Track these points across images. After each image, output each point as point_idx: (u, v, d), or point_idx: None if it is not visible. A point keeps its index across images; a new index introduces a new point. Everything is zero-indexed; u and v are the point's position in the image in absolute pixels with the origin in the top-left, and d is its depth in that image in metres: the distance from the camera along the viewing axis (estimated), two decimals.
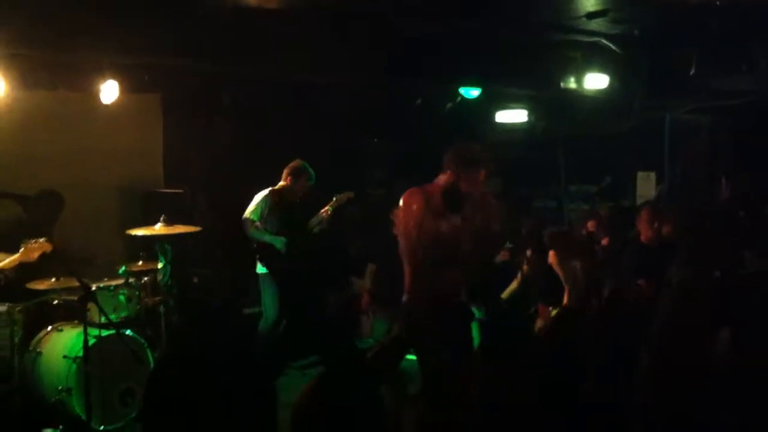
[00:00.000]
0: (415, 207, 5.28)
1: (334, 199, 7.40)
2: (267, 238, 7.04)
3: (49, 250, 5.38)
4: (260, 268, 7.14)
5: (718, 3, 5.92)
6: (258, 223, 7.01)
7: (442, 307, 5.31)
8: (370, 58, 7.27)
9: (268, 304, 7.15)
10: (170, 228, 6.64)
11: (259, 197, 7.09)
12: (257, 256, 7.11)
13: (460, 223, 5.40)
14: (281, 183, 7.19)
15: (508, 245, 7.11)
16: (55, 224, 6.76)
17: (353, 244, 9.20)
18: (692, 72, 7.05)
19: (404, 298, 5.38)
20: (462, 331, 5.66)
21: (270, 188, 7.14)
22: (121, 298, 6.41)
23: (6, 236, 6.16)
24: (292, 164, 7.21)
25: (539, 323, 7.08)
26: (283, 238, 7.04)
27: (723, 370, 4.89)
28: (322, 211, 7.38)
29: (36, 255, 5.40)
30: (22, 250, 5.40)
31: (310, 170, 7.20)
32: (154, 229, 6.60)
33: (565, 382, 3.11)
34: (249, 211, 7.04)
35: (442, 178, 5.37)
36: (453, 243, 5.38)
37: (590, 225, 7.12)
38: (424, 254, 5.29)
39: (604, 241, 7.28)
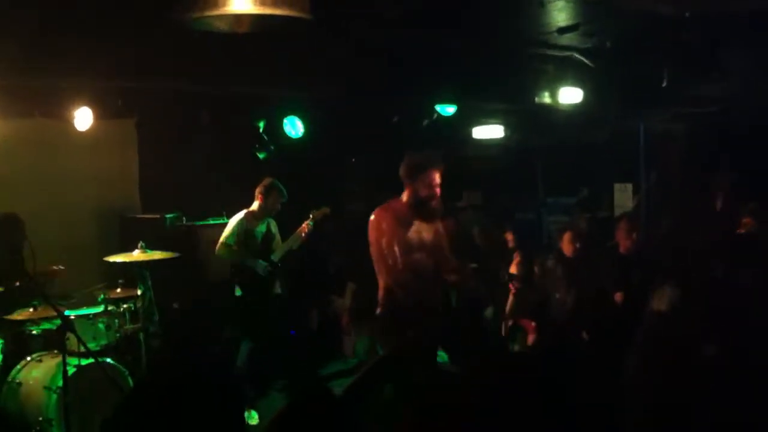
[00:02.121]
0: (384, 225, 5.49)
1: (311, 215, 7.34)
2: (248, 262, 7.00)
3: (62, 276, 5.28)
4: (238, 291, 7.10)
5: (687, 15, 5.97)
6: (235, 247, 6.97)
7: (418, 317, 5.46)
8: (345, 76, 7.29)
9: (246, 327, 7.11)
10: (148, 254, 6.59)
11: (234, 220, 7.06)
12: (235, 280, 7.06)
13: (429, 233, 5.65)
14: (255, 203, 7.15)
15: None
16: (22, 250, 6.63)
17: (332, 263, 9.19)
18: (664, 83, 7.11)
19: (378, 311, 5.56)
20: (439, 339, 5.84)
21: (245, 210, 7.11)
22: (100, 326, 6.36)
23: None
24: (263, 182, 7.16)
25: (530, 338, 7.11)
26: (263, 262, 7.00)
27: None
28: (300, 228, 7.32)
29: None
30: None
31: (281, 187, 7.14)
32: (132, 256, 6.55)
33: (558, 396, 3.08)
34: (225, 234, 7.00)
35: (404, 193, 5.63)
36: (425, 253, 5.58)
37: (567, 237, 7.16)
38: (397, 267, 5.46)
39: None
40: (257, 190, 7.13)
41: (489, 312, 8.36)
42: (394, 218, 5.52)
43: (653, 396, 4.05)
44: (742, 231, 6.70)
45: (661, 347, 4.74)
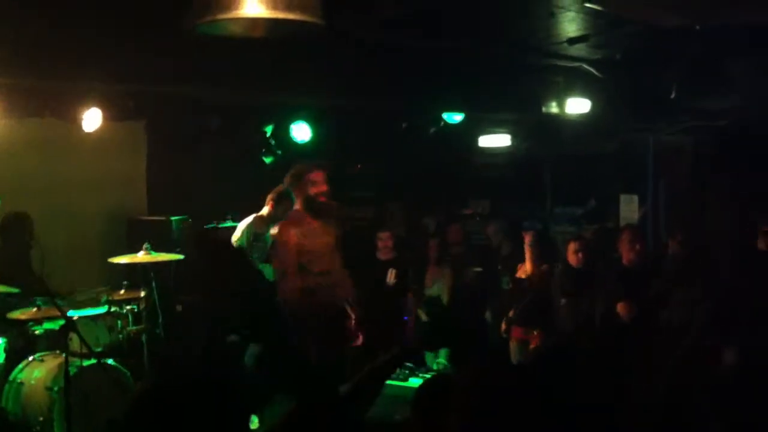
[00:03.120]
0: (290, 233, 6.04)
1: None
2: (257, 266, 6.99)
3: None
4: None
5: (697, 27, 5.97)
6: (247, 250, 6.96)
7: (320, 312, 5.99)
8: (353, 82, 7.30)
9: (255, 332, 7.10)
10: (153, 256, 6.60)
11: (243, 224, 7.06)
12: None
13: (323, 233, 6.13)
14: (265, 209, 7.17)
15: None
16: (31, 249, 6.67)
17: None
18: (672, 95, 7.11)
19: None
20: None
21: (254, 215, 7.11)
22: (103, 327, 6.38)
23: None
24: (275, 189, 7.16)
25: (533, 345, 7.08)
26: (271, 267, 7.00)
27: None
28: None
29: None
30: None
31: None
32: (137, 257, 6.56)
33: (558, 403, 3.09)
34: (234, 239, 7.01)
35: (296, 202, 6.17)
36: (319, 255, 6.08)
37: (572, 247, 7.15)
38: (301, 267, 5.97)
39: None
40: (269, 197, 7.13)
41: (488, 315, 8.38)
42: (294, 226, 6.02)
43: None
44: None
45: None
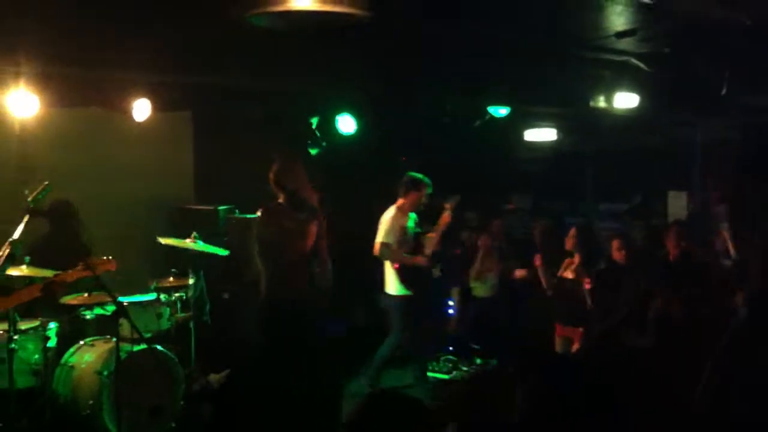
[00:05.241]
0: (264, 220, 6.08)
1: (447, 205, 7.28)
2: (408, 259, 7.03)
3: (113, 268, 5.35)
4: (400, 290, 7.08)
5: (748, 22, 5.89)
6: (394, 246, 6.99)
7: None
8: (399, 74, 7.32)
9: (398, 324, 7.11)
10: (201, 246, 6.64)
11: (386, 218, 7.05)
12: (399, 279, 7.06)
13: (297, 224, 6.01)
14: (401, 199, 7.13)
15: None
16: (81, 236, 6.76)
17: None
18: (723, 91, 7.02)
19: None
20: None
21: (394, 207, 7.11)
22: (152, 314, 6.47)
23: (39, 252, 6.26)
24: (410, 178, 7.13)
25: (575, 344, 7.04)
26: (423, 257, 7.06)
27: None
28: (441, 219, 7.25)
29: (101, 271, 5.34)
30: (81, 265, 5.29)
31: (428, 180, 7.16)
32: (184, 242, 6.60)
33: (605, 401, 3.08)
34: (382, 234, 7.00)
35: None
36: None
37: (616, 244, 7.08)
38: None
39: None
40: (404, 187, 7.11)
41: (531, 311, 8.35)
42: (273, 214, 6.00)
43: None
44: None
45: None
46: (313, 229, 5.89)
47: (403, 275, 7.05)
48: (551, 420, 2.60)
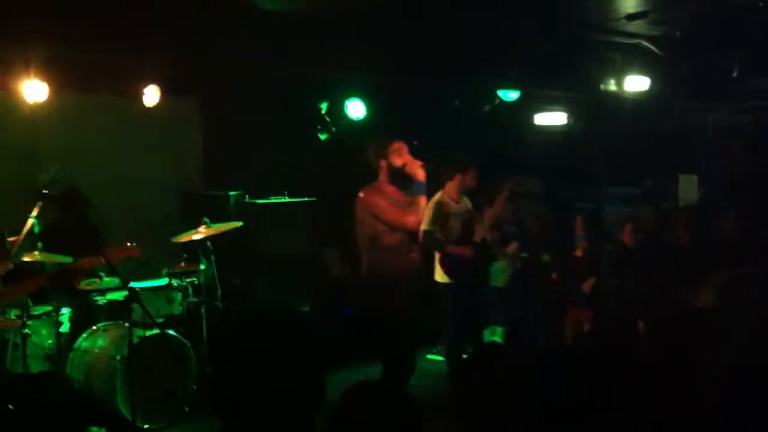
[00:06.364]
0: (378, 201, 6.53)
1: (505, 185, 7.10)
2: (454, 249, 6.86)
3: (135, 254, 5.30)
4: (444, 277, 6.99)
5: (761, 4, 5.86)
6: (438, 234, 6.83)
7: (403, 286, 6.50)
8: (408, 59, 7.30)
9: (447, 314, 7.03)
10: (212, 228, 6.64)
11: (431, 204, 6.84)
12: (443, 268, 6.95)
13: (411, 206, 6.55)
14: (448, 184, 6.98)
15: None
16: (88, 222, 6.71)
17: None
18: (735, 74, 6.98)
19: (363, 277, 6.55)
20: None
21: (440, 193, 6.95)
22: (163, 299, 6.50)
23: (50, 237, 6.27)
24: (453, 163, 6.96)
25: (585, 327, 7.06)
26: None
27: None
28: (496, 204, 6.95)
29: (119, 257, 5.32)
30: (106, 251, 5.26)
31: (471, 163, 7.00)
32: (199, 231, 6.59)
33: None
34: (426, 222, 6.76)
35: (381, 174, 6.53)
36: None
37: (628, 227, 7.08)
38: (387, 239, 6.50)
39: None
40: (449, 172, 6.93)
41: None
42: (383, 196, 6.44)
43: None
44: None
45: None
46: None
47: (448, 265, 6.91)
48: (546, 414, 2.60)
